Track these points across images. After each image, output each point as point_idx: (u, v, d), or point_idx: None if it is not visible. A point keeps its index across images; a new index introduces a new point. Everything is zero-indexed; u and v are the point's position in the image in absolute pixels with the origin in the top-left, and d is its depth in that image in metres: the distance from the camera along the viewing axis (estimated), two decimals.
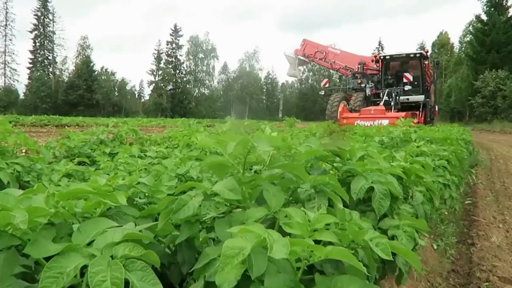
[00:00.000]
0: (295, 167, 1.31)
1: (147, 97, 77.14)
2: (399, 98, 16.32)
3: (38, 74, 61.70)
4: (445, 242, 3.15)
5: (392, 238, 1.56)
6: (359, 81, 18.02)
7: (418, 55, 17.15)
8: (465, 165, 5.66)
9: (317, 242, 0.95)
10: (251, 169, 2.32)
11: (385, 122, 12.40)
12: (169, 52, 74.47)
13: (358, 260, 1.14)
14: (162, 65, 73.95)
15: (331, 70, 25.35)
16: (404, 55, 17.45)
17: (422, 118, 15.90)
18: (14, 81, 64.09)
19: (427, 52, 17.67)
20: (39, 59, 65.77)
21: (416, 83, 17.38)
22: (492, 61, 38.36)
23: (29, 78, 62.71)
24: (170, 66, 74.34)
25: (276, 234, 0.85)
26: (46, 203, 0.88)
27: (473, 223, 4.01)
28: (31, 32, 64.76)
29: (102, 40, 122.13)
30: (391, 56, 18.05)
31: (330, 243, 0.94)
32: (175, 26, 74.72)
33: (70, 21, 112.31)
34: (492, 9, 40.87)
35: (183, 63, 75.95)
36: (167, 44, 74.42)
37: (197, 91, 77.62)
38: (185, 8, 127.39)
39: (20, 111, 51.29)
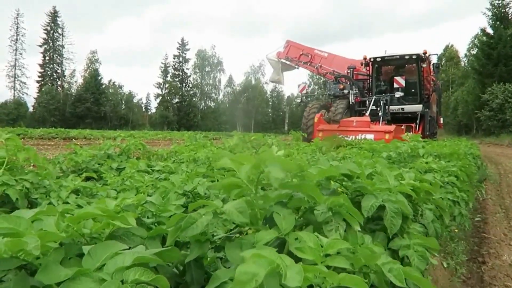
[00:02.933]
0: (309, 188, 1.29)
1: (153, 110, 77.83)
2: (388, 107, 13.76)
3: (47, 87, 62.53)
4: (456, 261, 3.09)
5: (403, 258, 1.54)
6: (342, 87, 15.46)
7: (414, 56, 14.67)
8: (474, 180, 5.60)
9: (328, 267, 0.93)
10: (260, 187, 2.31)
11: (370, 136, 10.46)
12: (176, 66, 75.29)
13: (370, 284, 1.12)
14: (169, 78, 74.70)
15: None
16: (398, 56, 14.93)
17: (420, 132, 13.53)
18: (23, 94, 65.06)
19: (425, 53, 14.92)
20: (48, 72, 66.76)
21: (413, 90, 15.01)
22: (499, 75, 38.26)
23: (38, 91, 63.57)
24: (177, 80, 75.06)
25: (288, 259, 0.84)
26: (56, 226, 0.88)
27: (484, 241, 3.95)
28: (40, 46, 65.92)
29: (111, 54, 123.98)
30: (382, 58, 15.34)
31: (343, 269, 0.93)
32: (182, 40, 75.74)
33: (81, 35, 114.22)
34: (498, 22, 40.95)
35: (189, 76, 76.75)
36: (174, 58, 75.32)
37: (203, 104, 78.16)
38: (193, 22, 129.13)
39: (29, 124, 51.92)
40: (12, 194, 2.15)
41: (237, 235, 1.58)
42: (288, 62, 19.34)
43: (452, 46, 66.19)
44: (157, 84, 74.22)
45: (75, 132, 25.27)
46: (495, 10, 41.17)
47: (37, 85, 65.24)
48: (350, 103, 15.07)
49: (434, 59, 16.22)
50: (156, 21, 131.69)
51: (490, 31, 41.98)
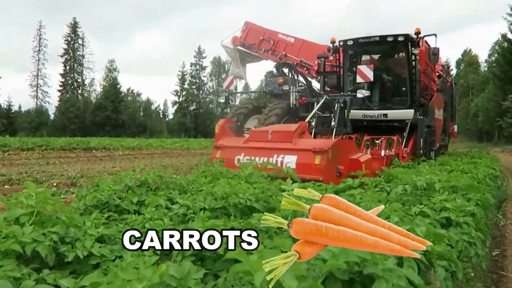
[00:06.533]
0: None
1: (171, 117, 78.94)
2: (347, 112, 8.86)
3: (68, 96, 64.20)
4: None
5: None
6: (281, 81, 11.18)
7: (401, 38, 9.57)
8: (492, 209, 5.52)
9: None
10: None
11: (292, 159, 6.39)
12: (193, 73, 76.33)
13: None
14: (186, 86, 75.69)
15: None
16: (378, 39, 9.82)
17: (409, 148, 9.21)
18: (45, 103, 66.97)
19: (418, 33, 9.62)
20: (69, 81, 68.51)
21: (403, 88, 10.35)
22: None
23: (59, 100, 65.30)
24: (194, 87, 76.05)
25: None
26: None
27: (501, 279, 3.90)
28: (61, 56, 67.77)
29: (130, 62, 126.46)
30: (355, 41, 10.04)
31: None
32: (199, 48, 76.81)
33: (103, 44, 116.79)
34: None
35: (206, 83, 77.70)
36: (191, 66, 76.39)
37: (219, 111, 78.86)
38: (211, 31, 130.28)
39: (50, 132, 53.40)
40: (42, 250, 2.28)
41: None
42: (245, 50, 14.63)
43: (470, 50, 65.11)
44: (174, 91, 75.30)
45: (95, 141, 25.87)
46: None
47: (58, 94, 67.06)
48: (291, 105, 10.63)
49: (431, 44, 11.15)
50: (175, 31, 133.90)
51: (511, 36, 41.14)
